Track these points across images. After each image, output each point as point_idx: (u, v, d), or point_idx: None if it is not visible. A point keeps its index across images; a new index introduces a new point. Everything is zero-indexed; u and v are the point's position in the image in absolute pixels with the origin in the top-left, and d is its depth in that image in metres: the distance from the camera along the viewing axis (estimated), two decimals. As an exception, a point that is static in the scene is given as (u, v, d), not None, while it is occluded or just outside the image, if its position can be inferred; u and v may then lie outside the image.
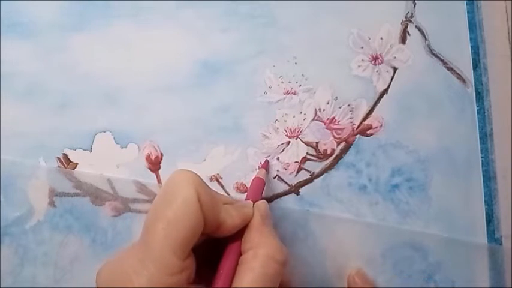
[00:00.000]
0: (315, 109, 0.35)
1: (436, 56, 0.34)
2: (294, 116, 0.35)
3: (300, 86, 0.35)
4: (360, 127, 0.34)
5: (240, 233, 0.28)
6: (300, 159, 0.34)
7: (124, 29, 0.36)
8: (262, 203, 0.30)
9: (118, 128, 0.35)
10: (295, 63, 0.35)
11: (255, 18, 0.35)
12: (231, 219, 0.27)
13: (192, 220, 0.25)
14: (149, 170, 0.35)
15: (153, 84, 0.35)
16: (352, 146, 0.34)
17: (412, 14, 0.35)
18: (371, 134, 0.34)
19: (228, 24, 0.35)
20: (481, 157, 0.34)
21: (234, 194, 0.34)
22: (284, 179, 0.34)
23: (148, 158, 0.35)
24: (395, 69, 0.34)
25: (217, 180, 0.35)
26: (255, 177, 0.33)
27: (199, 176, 0.26)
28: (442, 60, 0.34)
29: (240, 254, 0.27)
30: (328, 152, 0.34)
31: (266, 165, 0.34)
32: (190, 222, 0.25)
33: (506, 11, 0.34)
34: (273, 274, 0.26)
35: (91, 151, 0.35)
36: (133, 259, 0.24)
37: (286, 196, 0.34)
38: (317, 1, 0.35)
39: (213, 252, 0.28)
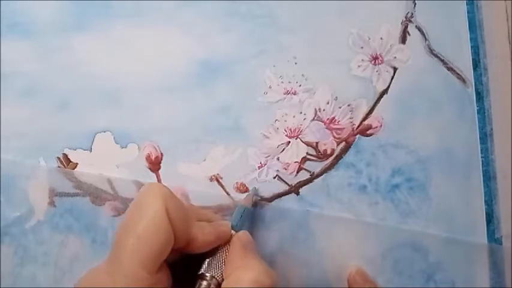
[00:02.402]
0: (315, 109, 0.35)
1: (436, 56, 0.34)
2: (294, 116, 0.35)
3: (300, 86, 0.35)
4: (360, 127, 0.34)
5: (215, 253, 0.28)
6: (300, 159, 0.34)
7: (124, 29, 0.36)
8: (243, 233, 0.29)
9: (118, 128, 0.35)
10: (295, 63, 0.35)
11: (255, 18, 0.35)
12: (203, 235, 0.27)
13: (161, 234, 0.24)
14: (149, 170, 0.35)
15: (153, 84, 0.35)
16: (352, 146, 0.34)
17: (412, 14, 0.35)
18: (371, 134, 0.34)
19: (228, 24, 0.35)
20: (481, 157, 0.34)
21: (234, 194, 0.34)
22: (284, 179, 0.34)
23: (148, 158, 0.35)
24: (395, 69, 0.34)
25: (217, 180, 0.35)
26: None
27: (169, 190, 0.26)
28: (442, 60, 0.34)
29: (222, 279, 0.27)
30: (328, 152, 0.34)
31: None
32: (159, 237, 0.24)
33: (506, 11, 0.34)
34: None
35: (91, 151, 0.35)
36: (103, 274, 0.24)
37: (286, 196, 0.34)
38: (317, 1, 0.35)
39: (194, 269, 0.27)
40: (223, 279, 0.27)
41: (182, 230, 0.25)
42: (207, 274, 0.27)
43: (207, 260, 0.27)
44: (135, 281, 0.24)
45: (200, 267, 0.27)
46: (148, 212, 0.25)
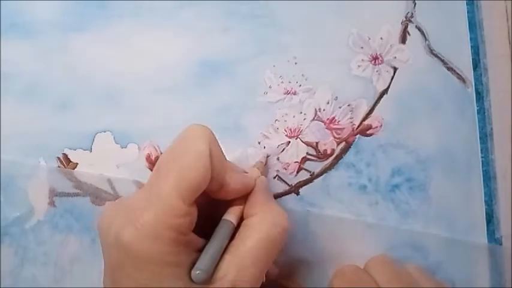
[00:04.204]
0: (315, 109, 0.35)
1: (436, 56, 0.34)
2: (294, 116, 0.35)
3: (300, 86, 0.35)
4: (360, 127, 0.34)
5: (238, 202, 0.29)
6: (300, 159, 0.34)
7: (124, 29, 0.36)
8: (264, 177, 0.31)
9: (118, 128, 0.35)
10: (295, 63, 0.35)
11: (255, 18, 0.35)
12: (234, 183, 0.28)
13: (201, 172, 0.26)
14: (149, 170, 0.35)
15: (153, 84, 0.35)
16: (352, 146, 0.34)
17: (412, 14, 0.35)
18: (371, 134, 0.34)
19: (229, 24, 0.35)
20: (481, 157, 0.34)
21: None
22: (284, 179, 0.34)
23: (148, 158, 0.35)
24: (395, 69, 0.35)
25: (217, 180, 0.35)
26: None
27: (213, 133, 0.28)
28: (442, 60, 0.34)
29: (241, 219, 0.28)
30: (328, 152, 0.34)
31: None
32: (200, 174, 0.26)
33: (506, 11, 0.34)
34: (277, 238, 0.27)
35: (91, 151, 0.35)
36: (139, 198, 0.26)
37: (286, 196, 0.34)
38: (317, 1, 0.35)
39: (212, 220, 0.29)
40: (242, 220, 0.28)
41: (218, 173, 0.27)
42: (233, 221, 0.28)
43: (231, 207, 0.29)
44: (171, 208, 0.25)
45: (224, 213, 0.29)
46: (193, 150, 0.26)
